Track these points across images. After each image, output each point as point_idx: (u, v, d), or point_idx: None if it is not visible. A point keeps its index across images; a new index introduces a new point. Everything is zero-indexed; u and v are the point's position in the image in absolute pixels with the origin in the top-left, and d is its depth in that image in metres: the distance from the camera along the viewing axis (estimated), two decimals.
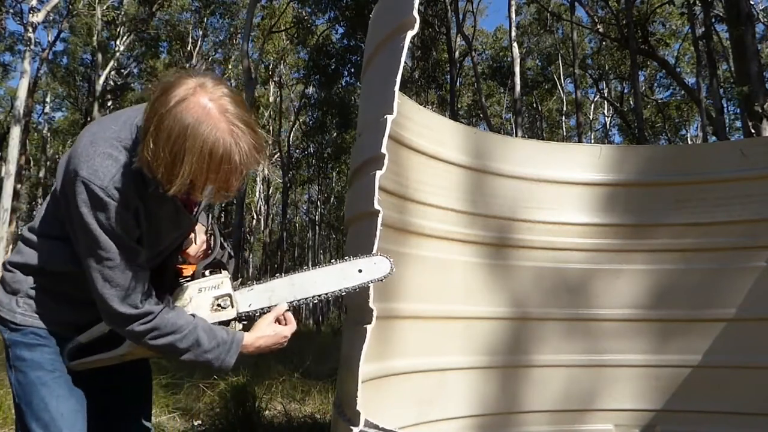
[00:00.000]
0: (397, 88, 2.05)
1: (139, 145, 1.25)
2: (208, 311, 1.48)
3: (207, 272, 1.52)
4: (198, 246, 1.60)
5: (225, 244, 1.59)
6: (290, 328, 1.56)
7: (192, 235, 1.60)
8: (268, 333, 1.52)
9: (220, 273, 1.52)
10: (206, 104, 1.21)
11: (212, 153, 1.20)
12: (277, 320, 1.55)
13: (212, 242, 1.58)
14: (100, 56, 21.33)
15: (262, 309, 1.57)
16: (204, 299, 1.48)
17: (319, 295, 1.61)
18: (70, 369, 1.48)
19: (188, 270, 1.53)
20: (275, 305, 1.57)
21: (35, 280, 1.47)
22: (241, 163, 1.22)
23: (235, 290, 1.53)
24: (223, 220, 27.17)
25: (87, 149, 1.32)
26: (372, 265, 1.68)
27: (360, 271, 1.66)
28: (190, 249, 1.58)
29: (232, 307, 1.51)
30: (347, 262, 1.67)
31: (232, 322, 1.53)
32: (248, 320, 1.56)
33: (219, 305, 1.50)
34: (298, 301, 1.60)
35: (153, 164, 1.21)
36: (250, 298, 1.56)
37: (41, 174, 29.31)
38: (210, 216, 1.66)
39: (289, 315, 1.56)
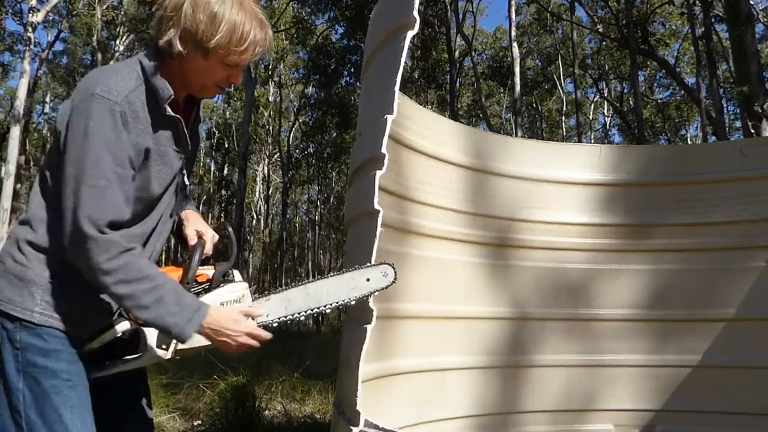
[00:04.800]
0: (397, 88, 2.05)
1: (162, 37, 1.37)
2: None
3: (222, 279, 1.49)
4: (210, 240, 1.58)
5: (232, 236, 1.58)
6: (252, 329, 1.44)
7: (201, 232, 1.58)
8: (234, 317, 1.42)
9: (236, 282, 1.50)
10: None
11: (242, 4, 1.38)
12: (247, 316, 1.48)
13: (231, 246, 1.55)
14: (99, 56, 21.30)
15: (279, 318, 1.56)
16: None
17: (331, 304, 1.63)
18: (88, 376, 1.42)
19: (203, 276, 1.48)
20: (291, 315, 1.56)
21: (53, 265, 1.37)
22: (261, 40, 1.41)
23: (253, 301, 1.52)
24: (222, 219, 27.15)
25: (99, 74, 1.39)
26: (379, 274, 1.73)
27: (368, 280, 1.71)
28: (207, 247, 1.55)
29: (253, 319, 1.48)
30: (356, 271, 1.70)
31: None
32: (266, 330, 1.53)
33: None
34: (312, 310, 1.60)
35: (192, 25, 1.35)
36: (268, 308, 1.55)
37: None
38: (221, 218, 1.66)
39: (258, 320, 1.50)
